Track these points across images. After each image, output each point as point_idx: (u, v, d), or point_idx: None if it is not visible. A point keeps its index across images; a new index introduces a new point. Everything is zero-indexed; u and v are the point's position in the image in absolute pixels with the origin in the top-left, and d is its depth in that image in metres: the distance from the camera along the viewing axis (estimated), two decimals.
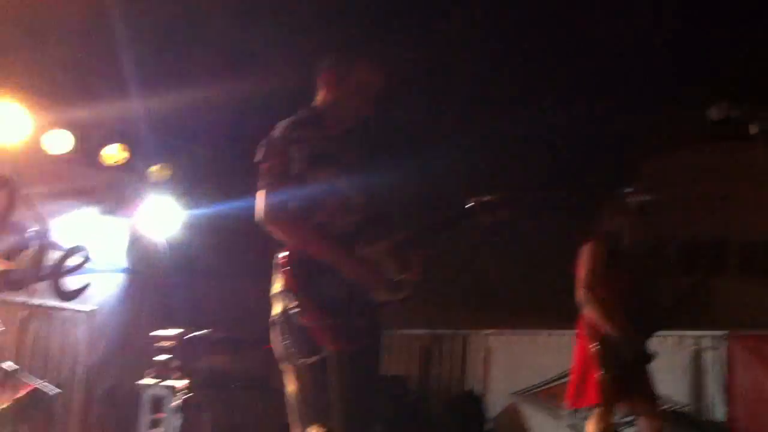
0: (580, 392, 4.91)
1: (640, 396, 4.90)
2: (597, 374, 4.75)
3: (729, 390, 6.84)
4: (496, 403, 8.15)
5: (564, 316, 5.33)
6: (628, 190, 5.02)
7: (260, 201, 3.16)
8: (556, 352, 7.94)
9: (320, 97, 3.42)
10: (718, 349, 7.11)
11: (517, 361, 8.26)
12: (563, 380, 7.64)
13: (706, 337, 7.25)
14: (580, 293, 4.92)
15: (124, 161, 7.31)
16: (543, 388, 7.90)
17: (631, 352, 4.81)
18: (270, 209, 3.14)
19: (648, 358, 4.94)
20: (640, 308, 5.01)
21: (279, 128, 3.24)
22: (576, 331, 5.08)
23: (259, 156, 3.24)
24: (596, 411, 4.82)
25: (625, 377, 4.78)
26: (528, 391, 8.00)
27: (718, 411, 6.78)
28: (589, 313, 4.87)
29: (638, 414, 4.99)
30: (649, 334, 5.02)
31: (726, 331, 7.09)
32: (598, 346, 4.79)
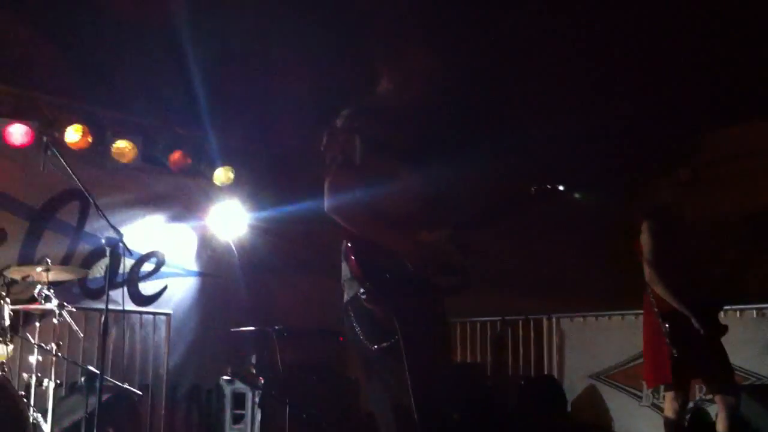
0: (656, 370, 4.84)
1: (714, 371, 4.80)
2: (669, 352, 4.67)
3: None
4: (573, 386, 8.07)
5: (635, 297, 5.26)
6: (676, 164, 4.96)
7: (325, 191, 3.19)
8: (630, 334, 7.82)
9: (380, 85, 3.43)
10: None
11: (591, 344, 8.17)
12: (639, 361, 7.56)
13: None
14: (646, 271, 4.84)
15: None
16: (620, 369, 7.80)
17: (702, 327, 4.71)
18: (334, 199, 3.16)
19: (721, 331, 4.83)
20: (706, 282, 4.92)
21: (341, 117, 3.26)
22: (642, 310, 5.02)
23: (323, 144, 3.28)
24: (671, 388, 4.77)
25: (697, 353, 4.69)
26: (605, 373, 7.91)
27: None
28: (656, 290, 4.78)
29: (713, 390, 4.90)
30: (719, 308, 4.92)
31: None
32: (668, 324, 4.70)
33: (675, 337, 4.69)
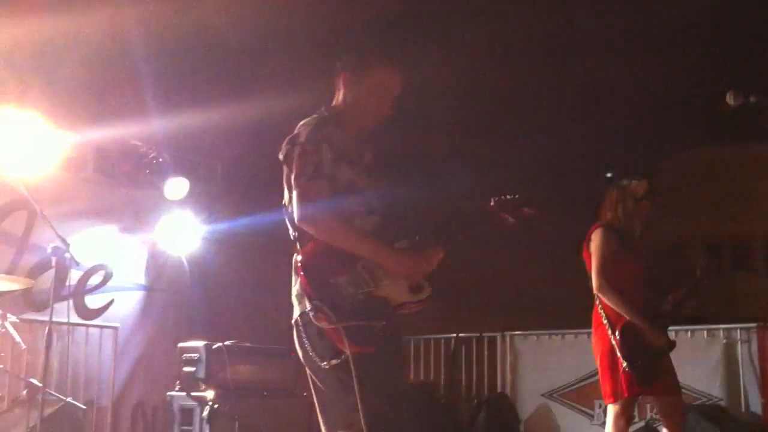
0: (612, 385, 4.70)
1: (665, 386, 4.74)
2: (622, 365, 4.50)
3: (763, 381, 6.74)
4: (526, 404, 8.08)
5: (588, 316, 5.19)
6: (632, 177, 4.85)
7: (295, 202, 3.12)
8: (583, 352, 7.86)
9: (338, 97, 3.39)
10: (749, 342, 7.02)
11: (545, 363, 8.20)
12: (592, 379, 7.59)
13: (737, 329, 7.15)
14: (596, 281, 4.68)
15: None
16: (573, 388, 7.82)
17: (655, 339, 4.58)
18: (307, 210, 3.09)
19: (670, 345, 4.77)
20: (656, 295, 4.78)
21: (305, 126, 3.21)
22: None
23: (283, 155, 3.22)
24: (620, 403, 4.58)
25: (650, 366, 4.55)
26: (558, 391, 7.92)
27: (754, 403, 6.67)
28: (607, 301, 4.64)
29: (661, 404, 4.83)
30: (668, 322, 4.85)
31: (756, 324, 6.99)
32: (620, 336, 4.56)
33: (628, 348, 4.52)
